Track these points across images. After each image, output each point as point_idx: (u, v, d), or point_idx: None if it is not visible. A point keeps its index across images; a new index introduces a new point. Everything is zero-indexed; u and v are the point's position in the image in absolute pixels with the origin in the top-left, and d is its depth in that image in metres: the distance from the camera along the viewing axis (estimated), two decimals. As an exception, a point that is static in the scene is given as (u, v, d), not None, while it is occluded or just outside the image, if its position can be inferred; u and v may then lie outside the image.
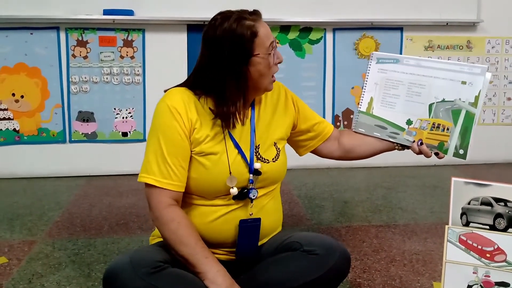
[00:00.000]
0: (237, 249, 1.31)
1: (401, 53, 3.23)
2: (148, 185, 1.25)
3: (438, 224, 2.14)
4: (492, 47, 3.29)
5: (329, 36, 3.17)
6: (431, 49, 3.25)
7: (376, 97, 1.48)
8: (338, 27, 3.15)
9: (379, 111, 1.48)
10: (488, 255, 1.19)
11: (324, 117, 3.19)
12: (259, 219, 1.32)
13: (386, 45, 3.20)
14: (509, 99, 3.36)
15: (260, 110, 1.38)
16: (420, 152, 1.41)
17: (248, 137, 1.32)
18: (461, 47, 3.27)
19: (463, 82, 1.36)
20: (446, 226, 1.23)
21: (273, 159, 1.35)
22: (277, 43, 3.12)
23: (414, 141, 1.41)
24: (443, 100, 1.39)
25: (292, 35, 3.13)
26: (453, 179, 1.23)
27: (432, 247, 1.90)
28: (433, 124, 1.39)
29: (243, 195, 1.29)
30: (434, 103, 1.40)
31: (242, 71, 1.24)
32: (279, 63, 1.30)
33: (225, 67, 1.23)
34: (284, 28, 3.11)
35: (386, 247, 1.90)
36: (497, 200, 1.20)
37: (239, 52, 1.22)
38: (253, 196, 1.30)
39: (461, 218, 1.23)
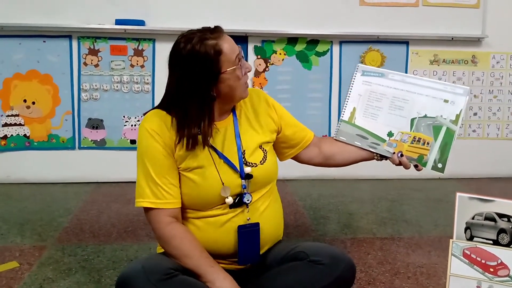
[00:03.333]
0: (239, 256, 1.33)
1: (407, 67, 3.27)
2: (145, 208, 1.30)
3: (442, 238, 2.16)
4: (497, 62, 3.33)
5: (336, 48, 3.21)
6: (437, 63, 3.29)
7: (359, 107, 1.53)
8: (345, 40, 3.20)
9: (361, 122, 1.52)
10: (491, 269, 1.22)
11: (329, 128, 3.24)
12: (257, 224, 1.34)
13: (391, 58, 3.25)
14: (513, 113, 3.39)
15: (242, 116, 1.40)
16: (399, 164, 1.46)
17: (233, 143, 1.34)
18: (466, 62, 3.30)
19: (446, 101, 1.44)
20: (451, 240, 1.26)
21: (260, 161, 1.36)
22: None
23: (394, 153, 1.46)
24: (425, 116, 1.45)
25: (299, 47, 3.18)
26: (458, 194, 1.26)
27: (436, 260, 1.92)
28: (414, 137, 1.45)
29: (239, 202, 1.32)
30: (416, 117, 1.46)
31: (210, 90, 1.26)
32: (248, 72, 1.33)
33: (193, 88, 1.25)
34: (292, 40, 3.16)
35: (390, 260, 1.92)
36: (501, 215, 1.23)
37: (206, 72, 1.25)
38: (248, 200, 1.32)
39: (465, 232, 1.26)
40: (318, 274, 1.26)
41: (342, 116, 1.55)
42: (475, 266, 1.23)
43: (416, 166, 1.45)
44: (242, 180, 1.32)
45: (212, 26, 1.31)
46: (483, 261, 1.22)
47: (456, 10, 3.21)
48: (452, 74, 3.31)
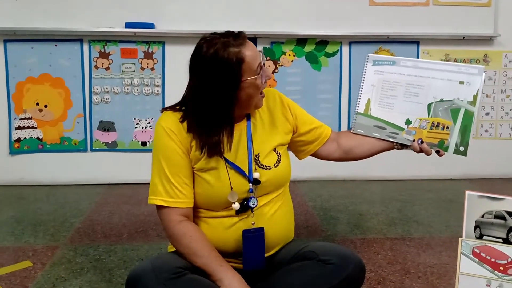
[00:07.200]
0: (243, 260, 1.33)
1: (417, 67, 3.25)
2: (158, 206, 1.31)
3: (453, 238, 2.14)
4: (510, 61, 3.29)
5: (345, 49, 3.21)
6: (448, 62, 3.26)
7: (374, 98, 1.51)
8: (354, 41, 3.19)
9: (377, 112, 1.50)
10: (501, 268, 1.21)
11: (340, 129, 3.23)
12: (262, 229, 1.33)
13: (402, 58, 3.23)
14: (526, 113, 3.34)
15: (257, 119, 1.40)
16: (420, 151, 1.44)
17: (245, 148, 1.35)
18: (478, 61, 3.27)
19: (461, 82, 1.41)
20: (460, 239, 1.25)
21: (274, 164, 1.37)
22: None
23: (414, 140, 1.44)
24: (442, 100, 1.43)
25: (308, 48, 3.18)
26: (467, 192, 1.25)
27: (447, 260, 1.90)
28: (433, 123, 1.43)
29: (245, 207, 1.32)
30: (432, 102, 1.44)
31: (230, 97, 1.26)
32: (268, 79, 1.33)
33: (214, 94, 1.25)
34: (301, 41, 3.16)
35: (400, 260, 1.91)
36: (511, 214, 1.22)
37: (227, 80, 1.24)
38: (253, 204, 1.32)
39: (474, 231, 1.25)
40: (328, 274, 1.26)
41: (357, 109, 1.53)
42: (484, 264, 1.22)
43: (438, 152, 1.43)
44: (250, 184, 1.33)
45: (236, 31, 1.30)
46: (493, 260, 1.21)
47: (467, 9, 3.18)
48: (463, 74, 3.28)
